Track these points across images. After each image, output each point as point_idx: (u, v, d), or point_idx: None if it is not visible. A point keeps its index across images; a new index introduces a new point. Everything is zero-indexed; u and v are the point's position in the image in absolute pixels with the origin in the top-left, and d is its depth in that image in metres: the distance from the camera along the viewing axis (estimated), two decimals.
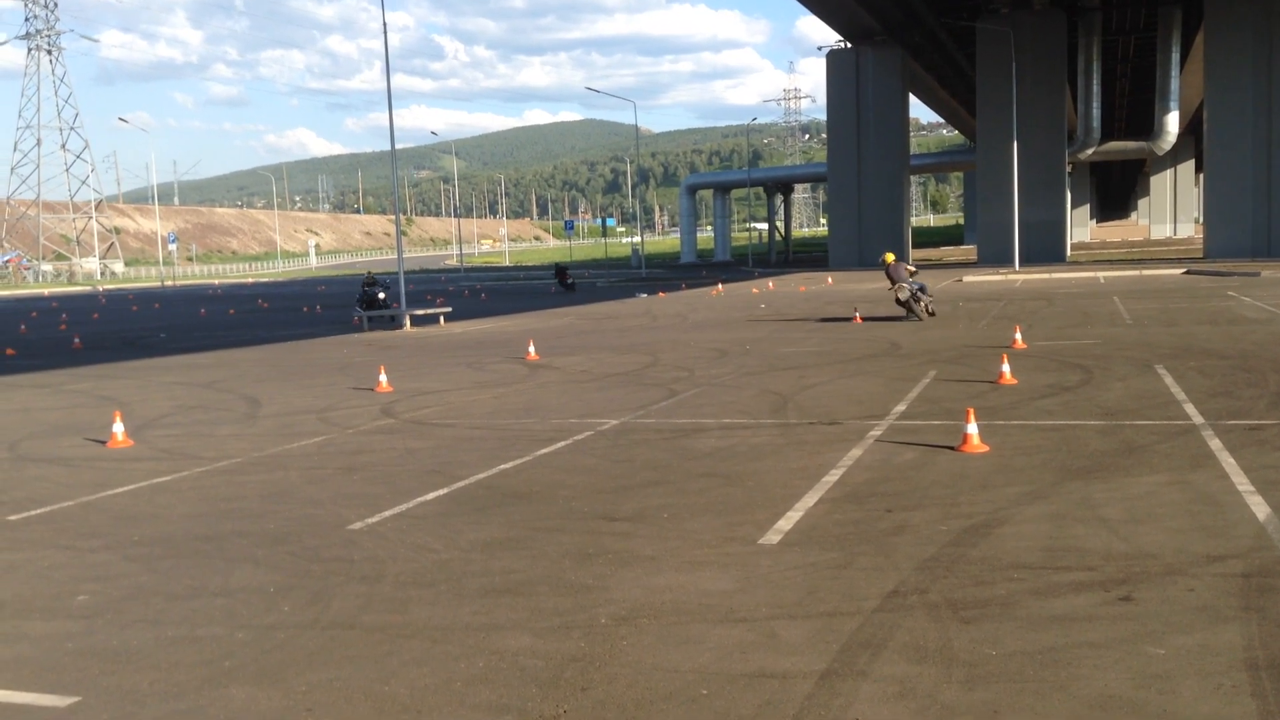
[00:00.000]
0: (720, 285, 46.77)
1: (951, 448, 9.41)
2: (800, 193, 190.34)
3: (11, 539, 7.67)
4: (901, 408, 11.84)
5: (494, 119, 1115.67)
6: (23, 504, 8.75)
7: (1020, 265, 47.54)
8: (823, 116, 78.89)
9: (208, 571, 6.66)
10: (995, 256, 52.61)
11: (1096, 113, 58.41)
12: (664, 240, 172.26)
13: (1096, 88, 57.60)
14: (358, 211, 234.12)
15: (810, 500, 7.77)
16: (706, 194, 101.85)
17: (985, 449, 9.27)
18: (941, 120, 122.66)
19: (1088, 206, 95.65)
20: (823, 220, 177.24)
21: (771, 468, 9.00)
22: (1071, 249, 60.19)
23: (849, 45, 64.37)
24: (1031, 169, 50.91)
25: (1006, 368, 13.47)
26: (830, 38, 74.27)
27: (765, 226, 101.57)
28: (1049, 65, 53.15)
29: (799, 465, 9.04)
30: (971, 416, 9.53)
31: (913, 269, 24.83)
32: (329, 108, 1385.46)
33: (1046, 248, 52.56)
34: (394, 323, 29.54)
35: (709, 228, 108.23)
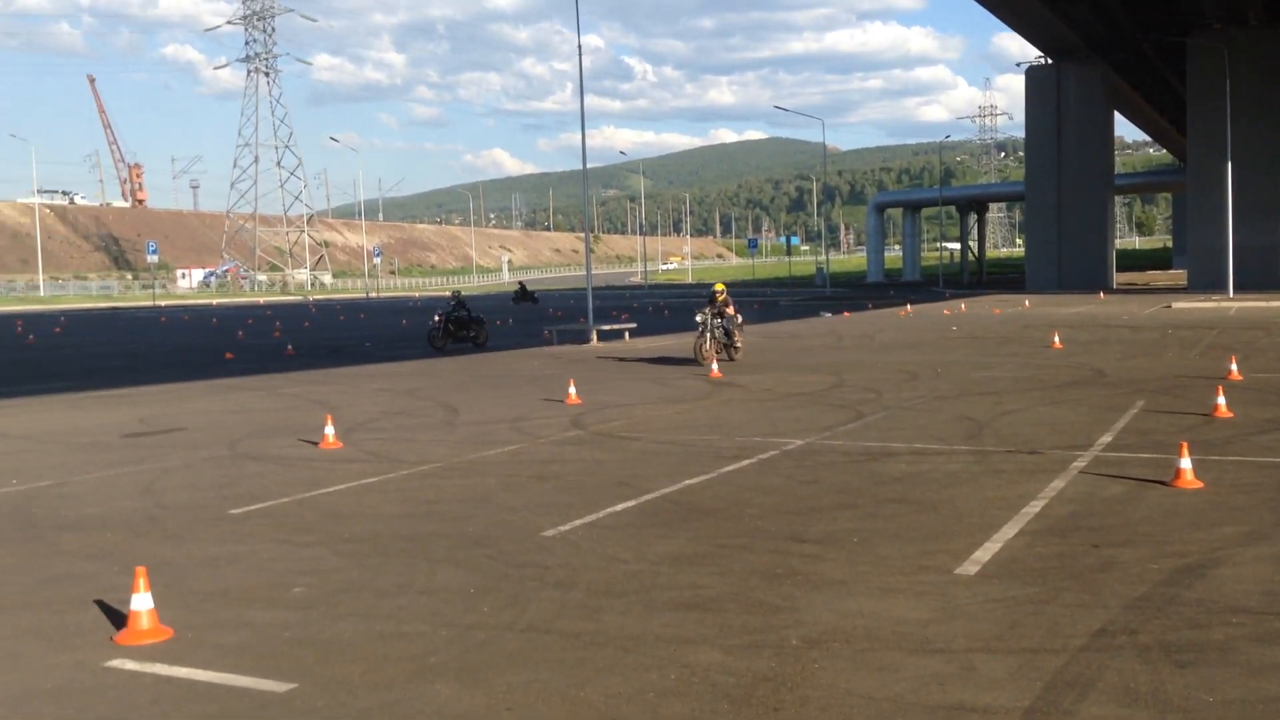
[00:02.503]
0: (909, 306, 45.82)
1: (1163, 483, 8.94)
2: (995, 212, 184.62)
3: (233, 531, 8.21)
4: (1107, 439, 11.32)
5: (680, 138, 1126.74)
6: (243, 499, 9.36)
7: (1234, 292, 44.75)
8: (1019, 134, 76.42)
9: (412, 570, 6.97)
10: (1207, 282, 49.74)
11: None
12: (849, 259, 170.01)
13: None
14: (548, 229, 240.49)
15: (1009, 532, 7.53)
16: (895, 212, 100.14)
17: (1199, 485, 8.77)
18: (1148, 139, 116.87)
19: None
20: (1018, 241, 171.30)
21: (967, 496, 8.77)
22: None
23: (1049, 61, 62.24)
24: (1247, 190, 47.85)
25: (1222, 400, 12.70)
26: (1029, 54, 71.89)
27: (957, 246, 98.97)
28: (1266, 81, 49.97)
29: (996, 495, 8.77)
30: (1185, 450, 9.03)
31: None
32: (523, 128, 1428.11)
33: (1263, 274, 49.29)
34: (581, 337, 30.17)
35: (896, 247, 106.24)
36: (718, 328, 21.12)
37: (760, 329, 34.55)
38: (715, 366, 18.96)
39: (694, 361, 20.97)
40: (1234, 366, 16.60)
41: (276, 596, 6.47)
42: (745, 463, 10.54)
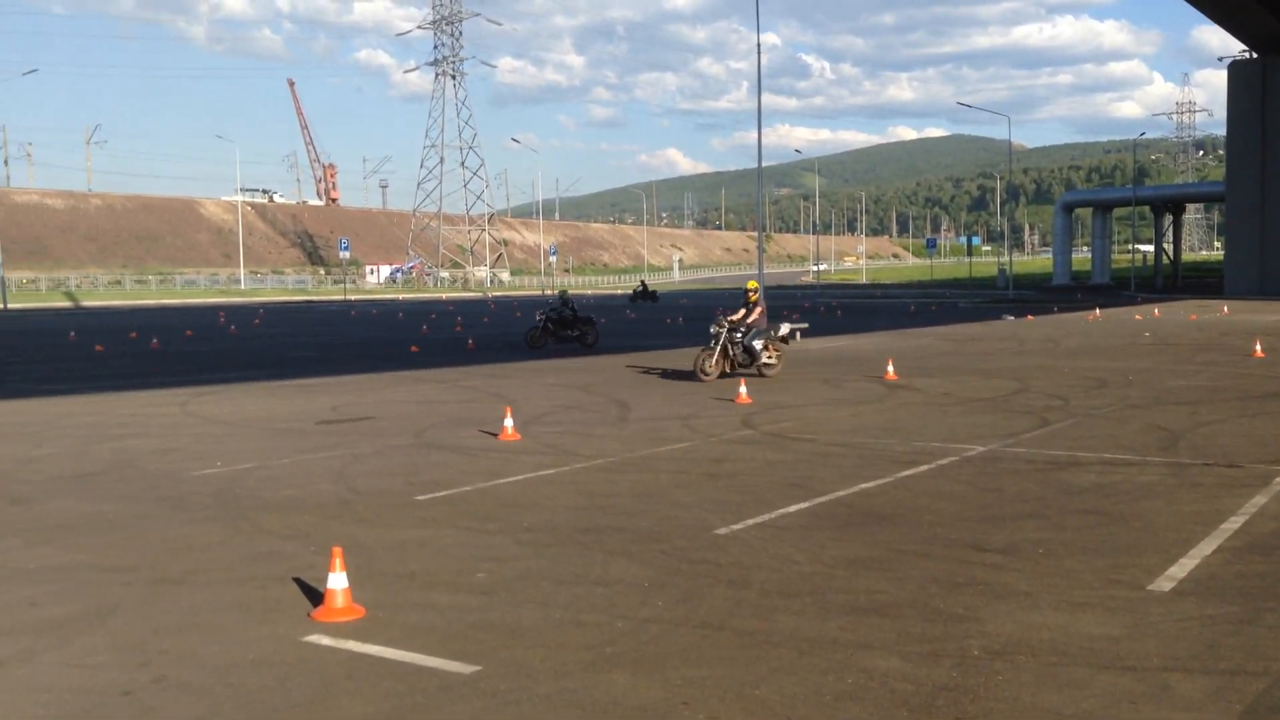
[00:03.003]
0: (1097, 310, 43.87)
1: None
2: (1192, 213, 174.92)
3: (419, 517, 8.54)
4: None
5: (857, 136, 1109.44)
6: (428, 486, 9.73)
7: None
8: (1220, 131, 72.15)
9: (588, 562, 7.11)
10: None
11: None
12: (1033, 260, 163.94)
13: None
14: (718, 228, 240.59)
15: (1207, 548, 7.13)
16: (1084, 213, 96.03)
17: None
18: None
19: None
20: (1217, 244, 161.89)
21: (1161, 509, 8.34)
22: None
23: (1254, 55, 58.50)
24: None
25: None
26: (1232, 47, 67.84)
27: (1150, 248, 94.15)
28: None
29: (1193, 509, 8.32)
30: None
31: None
32: (697, 128, 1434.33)
33: None
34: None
35: (1084, 248, 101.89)
36: (736, 344, 18.44)
37: (938, 331, 33.71)
38: (743, 390, 15.90)
39: (867, 365, 20.59)
40: None
41: (460, 581, 6.71)
42: (923, 468, 10.32)
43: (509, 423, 12.53)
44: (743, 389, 15.96)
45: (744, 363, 18.51)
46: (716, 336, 18.38)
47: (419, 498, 9.22)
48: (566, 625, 5.80)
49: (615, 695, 4.81)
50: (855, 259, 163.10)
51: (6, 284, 67.16)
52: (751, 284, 19.07)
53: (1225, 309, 43.10)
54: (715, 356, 18.36)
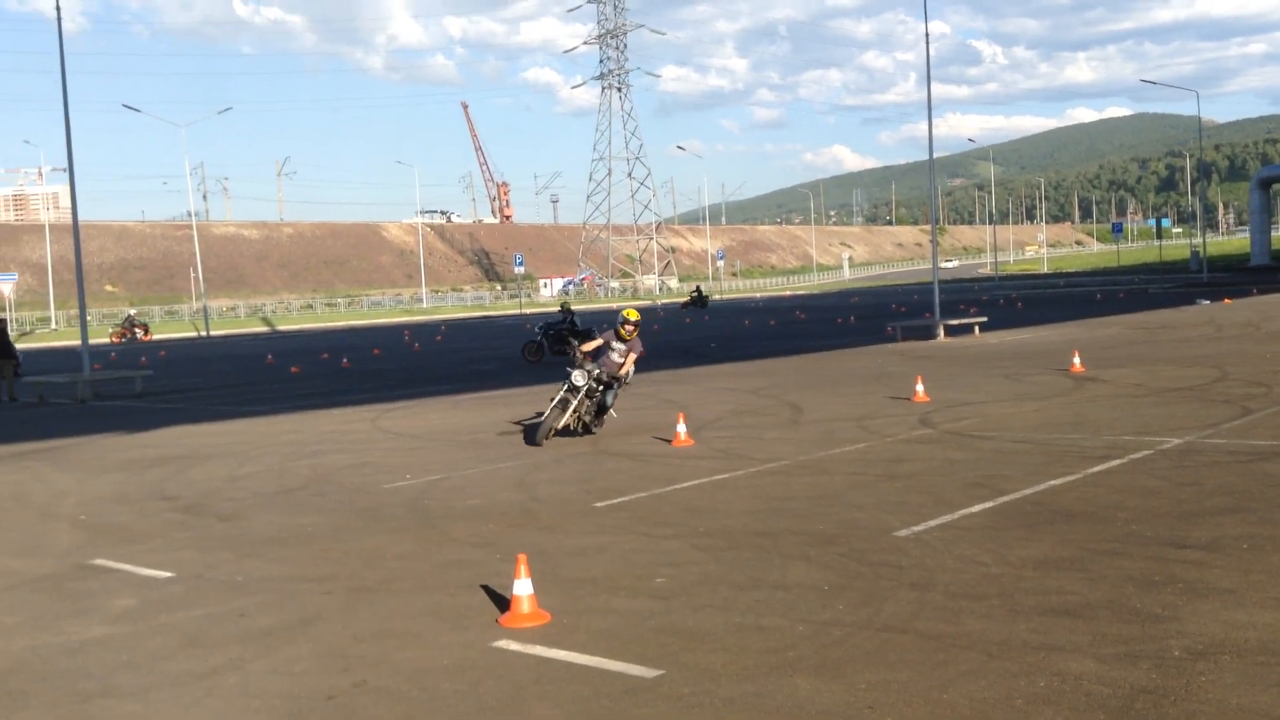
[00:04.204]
0: None
1: None
2: None
3: (598, 524, 8.71)
4: None
5: (1033, 120, 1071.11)
6: (606, 493, 9.91)
7: None
8: None
9: (766, 565, 7.11)
10: None
11: None
12: (1229, 241, 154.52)
13: None
14: (889, 223, 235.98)
15: None
16: None
17: None
18: None
19: None
20: None
21: None
22: None
23: None
24: None
25: None
26: None
27: None
28: None
29: None
30: None
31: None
32: (863, 123, 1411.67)
33: None
34: (927, 333, 29.40)
35: None
36: (594, 392, 13.20)
37: (1127, 319, 32.18)
38: (920, 388, 14.92)
39: (1051, 358, 19.78)
40: None
41: (640, 586, 6.81)
42: (1114, 463, 9.89)
43: (682, 428, 12.63)
44: (919, 386, 15.63)
45: (589, 422, 13.47)
46: (576, 391, 13.02)
47: (598, 505, 9.41)
48: (747, 629, 5.82)
49: (799, 699, 4.81)
50: (1036, 248, 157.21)
51: (209, 313, 71.68)
52: (631, 313, 13.22)
53: None
54: (562, 418, 13.03)
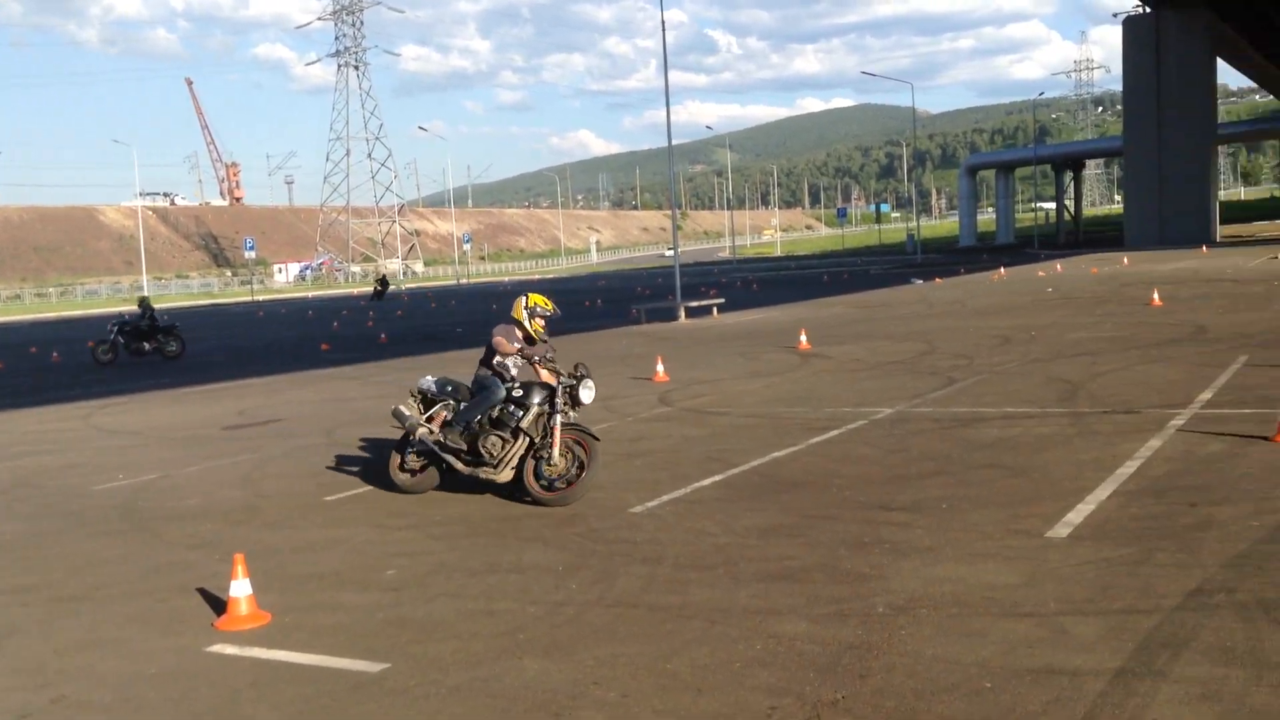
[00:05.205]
0: (1002, 269, 44.81)
1: (1265, 438, 8.63)
2: (1092, 169, 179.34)
3: (328, 517, 8.42)
4: (1207, 395, 10.97)
5: (766, 110, 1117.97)
6: (338, 486, 9.59)
7: None
8: (1117, 88, 74.03)
9: (502, 550, 7.09)
10: None
11: None
12: (941, 224, 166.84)
13: None
14: (635, 208, 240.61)
15: (1103, 493, 7.36)
16: (988, 174, 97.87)
17: None
18: (1254, 85, 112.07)
19: None
20: (1117, 198, 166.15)
21: (1060, 459, 8.58)
22: None
23: (1148, 10, 60.11)
24: None
25: None
26: (1127, 3, 69.55)
27: (1052, 206, 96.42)
28: None
29: (1090, 457, 8.57)
30: None
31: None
32: (607, 108, 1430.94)
33: None
34: (669, 315, 30.19)
35: (990, 209, 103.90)
36: (560, 410, 8.31)
37: (850, 299, 34.15)
38: (660, 368, 14.38)
39: (782, 337, 20.59)
40: None
41: (370, 579, 6.64)
42: (834, 433, 10.47)
43: None
44: (660, 366, 16.01)
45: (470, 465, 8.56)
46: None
47: (329, 498, 9.09)
48: (478, 615, 5.78)
49: (526, 681, 4.81)
50: (771, 232, 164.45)
51: None
52: (540, 299, 9.08)
53: (1125, 261, 44.33)
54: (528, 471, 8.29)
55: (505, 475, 8.32)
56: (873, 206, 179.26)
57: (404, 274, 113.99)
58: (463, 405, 8.77)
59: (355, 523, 8.15)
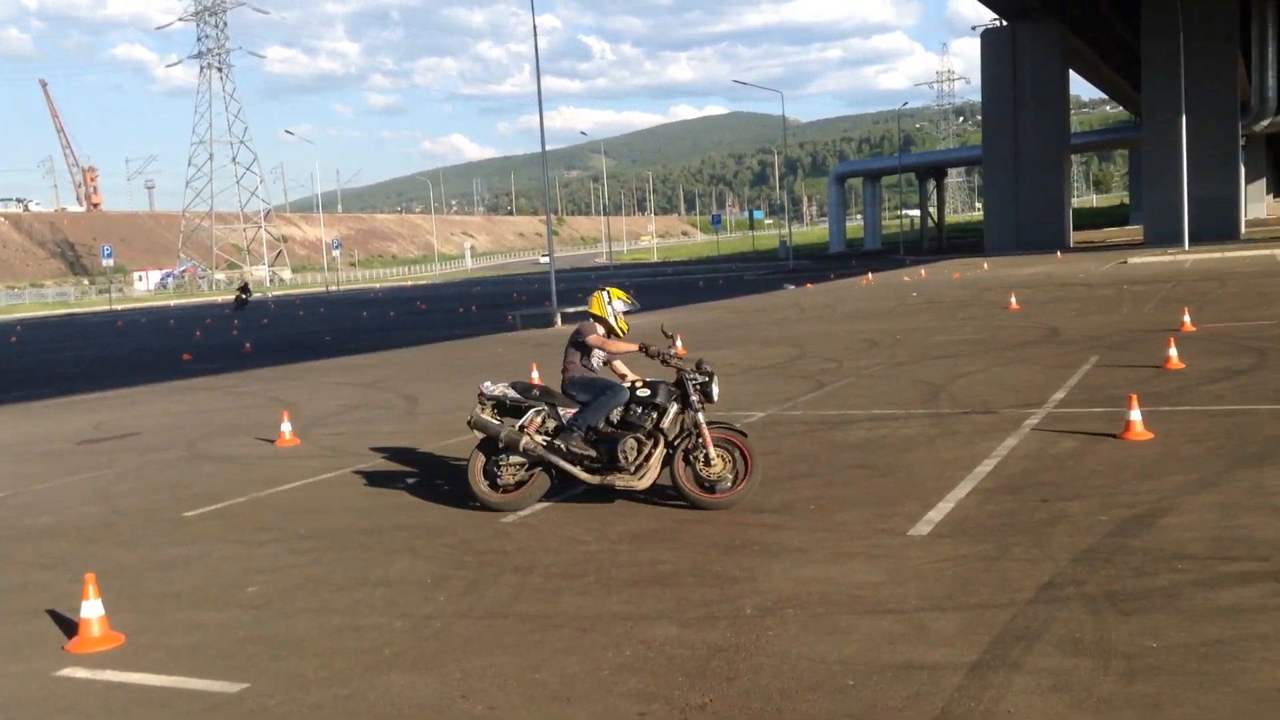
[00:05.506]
0: (870, 275, 45.98)
1: (1114, 435, 9.04)
2: (954, 177, 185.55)
3: (188, 534, 8.13)
4: (1060, 395, 11.43)
5: (641, 116, 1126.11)
6: (199, 500, 9.27)
7: (1190, 245, 45.23)
8: (977, 98, 76.60)
9: (369, 563, 6.94)
10: (1163, 236, 50.20)
11: (1273, 82, 55.11)
12: (812, 231, 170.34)
13: (1272, 54, 54.29)
14: (510, 213, 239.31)
15: (962, 491, 7.60)
16: (856, 182, 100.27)
17: (1150, 436, 8.88)
18: (1104, 96, 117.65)
19: (1264, 181, 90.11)
20: (978, 205, 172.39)
21: (922, 459, 8.83)
22: (1246, 226, 56.81)
23: (1004, 23, 62.45)
24: (1201, 143, 48.16)
25: (1173, 352, 12.85)
26: (984, 16, 72.17)
27: (918, 213, 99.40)
28: (1220, 34, 50.31)
29: (951, 456, 8.84)
30: (1135, 403, 9.13)
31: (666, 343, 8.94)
32: (481, 112, 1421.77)
33: (1218, 226, 49.82)
34: (546, 320, 30.10)
35: (859, 216, 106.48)
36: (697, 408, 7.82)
37: (725, 304, 34.57)
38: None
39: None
40: (1187, 318, 16.79)
41: (230, 597, 6.43)
42: None
43: (286, 427, 12.09)
44: (535, 374, 15.91)
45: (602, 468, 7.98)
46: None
47: (188, 513, 8.78)
48: (343, 631, 5.65)
49: (391, 696, 4.72)
50: (649, 238, 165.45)
51: None
52: (620, 293, 8.93)
53: (986, 266, 45.93)
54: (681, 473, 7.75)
55: (648, 480, 7.75)
56: (747, 213, 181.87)
57: (271, 281, 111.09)
58: (578, 409, 8.07)
59: (216, 538, 7.89)
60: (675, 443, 7.76)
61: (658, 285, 55.46)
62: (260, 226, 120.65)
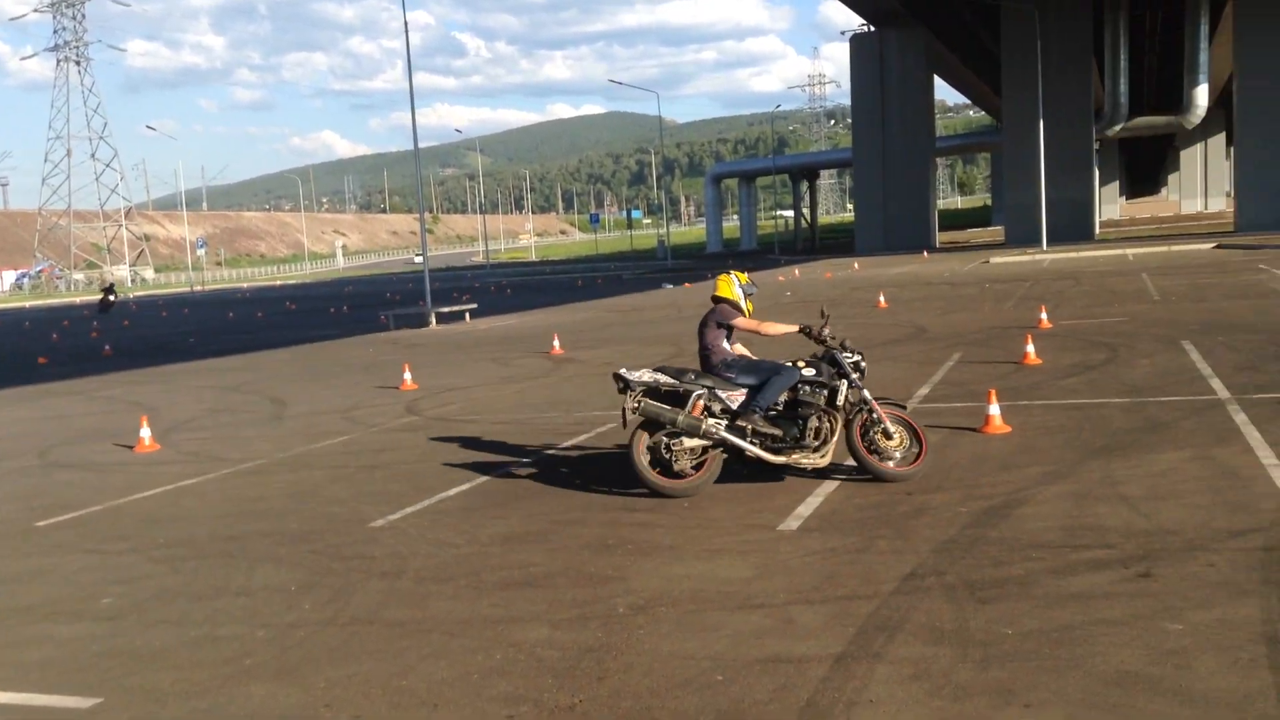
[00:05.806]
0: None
1: (974, 429, 9.35)
2: (826, 179, 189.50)
3: (40, 544, 7.77)
4: (925, 390, 11.77)
5: (518, 114, 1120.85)
6: (51, 509, 8.87)
7: (1048, 245, 47.13)
8: (848, 102, 78.34)
9: (231, 571, 6.73)
10: (1023, 237, 52.14)
11: (1124, 88, 57.61)
12: (690, 230, 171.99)
13: (1124, 63, 56.77)
14: (384, 211, 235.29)
15: (830, 486, 7.75)
16: (732, 183, 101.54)
17: (1007, 430, 9.21)
18: (968, 101, 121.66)
19: (1117, 183, 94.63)
20: (849, 206, 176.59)
21: None
22: (1100, 227, 59.54)
23: (872, 28, 64.01)
24: (1058, 147, 50.24)
25: (1031, 348, 13.36)
26: (853, 21, 73.91)
27: (791, 214, 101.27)
28: (1075, 42, 52.51)
29: None
30: (993, 398, 9.46)
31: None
32: (353, 109, 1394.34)
33: (1075, 226, 52.06)
34: (419, 321, 29.69)
35: (735, 217, 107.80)
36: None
37: (603, 303, 34.63)
38: (408, 376, 15.24)
39: (535, 342, 20.56)
40: (1044, 315, 17.49)
41: (85, 609, 6.16)
42: (583, 437, 10.55)
43: (146, 433, 11.64)
44: (407, 374, 15.68)
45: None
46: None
47: (40, 524, 8.38)
48: (202, 642, 5.45)
49: (252, 708, 4.57)
50: (527, 237, 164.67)
51: None
52: (744, 276, 8.83)
53: (856, 266, 47.05)
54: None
55: (829, 458, 7.80)
56: (625, 213, 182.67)
57: (133, 281, 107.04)
58: (747, 391, 7.93)
59: (69, 549, 7.55)
60: (849, 419, 7.85)
61: (535, 284, 55.27)
62: (121, 225, 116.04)
